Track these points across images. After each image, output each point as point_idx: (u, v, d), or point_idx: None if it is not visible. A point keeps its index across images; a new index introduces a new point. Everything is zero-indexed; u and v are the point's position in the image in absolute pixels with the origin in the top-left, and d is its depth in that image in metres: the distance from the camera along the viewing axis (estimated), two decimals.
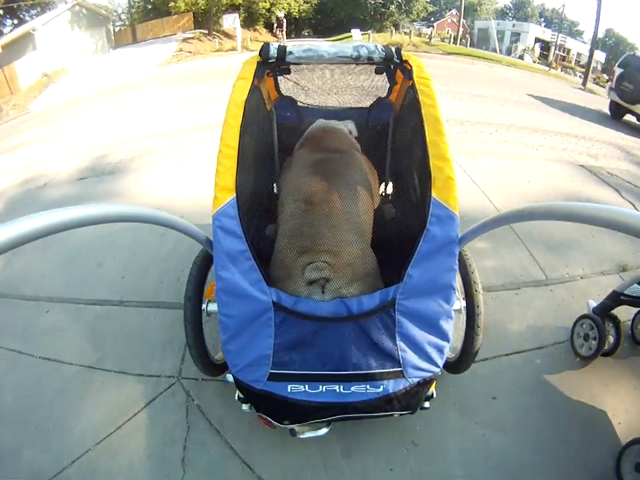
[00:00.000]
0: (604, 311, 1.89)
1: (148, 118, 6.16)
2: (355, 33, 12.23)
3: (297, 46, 1.64)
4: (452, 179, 1.24)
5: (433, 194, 1.22)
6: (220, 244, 1.20)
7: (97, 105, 8.31)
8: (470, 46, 21.73)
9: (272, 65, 1.67)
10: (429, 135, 1.31)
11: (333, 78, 1.96)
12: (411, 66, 1.58)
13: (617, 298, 1.84)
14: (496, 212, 2.87)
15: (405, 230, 1.35)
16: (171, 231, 2.64)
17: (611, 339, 1.89)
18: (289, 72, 1.84)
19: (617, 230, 0.80)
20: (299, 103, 2.13)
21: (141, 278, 2.40)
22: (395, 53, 1.62)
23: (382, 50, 1.61)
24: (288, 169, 1.70)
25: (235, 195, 1.23)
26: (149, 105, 7.05)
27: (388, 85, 1.96)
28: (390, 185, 2.18)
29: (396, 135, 1.97)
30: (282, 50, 1.61)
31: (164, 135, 5.03)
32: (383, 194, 2.17)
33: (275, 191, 2.02)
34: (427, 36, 22.29)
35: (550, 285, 2.26)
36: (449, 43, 21.32)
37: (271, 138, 2.04)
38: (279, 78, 1.95)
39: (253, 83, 1.50)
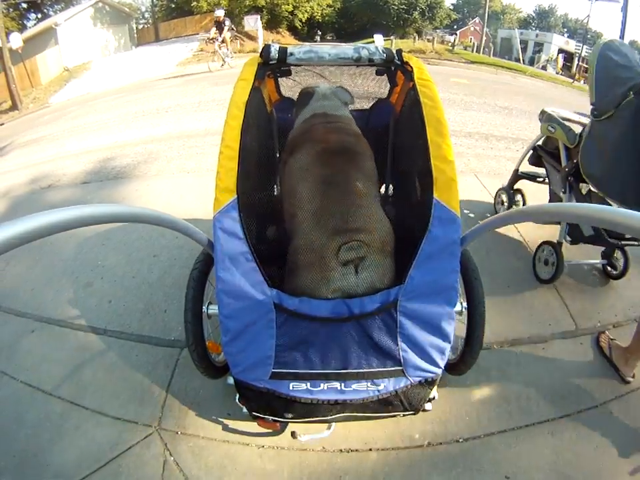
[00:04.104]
0: (512, 183, 2.91)
1: (159, 119, 6.10)
2: (378, 38, 11.95)
3: (298, 47, 1.66)
4: (454, 180, 1.24)
5: (435, 195, 1.22)
6: (221, 245, 1.18)
7: (112, 102, 8.32)
8: (493, 55, 21.31)
9: (273, 66, 1.69)
10: (430, 135, 1.31)
11: (333, 79, 1.99)
12: (411, 67, 1.58)
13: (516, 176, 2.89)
14: (526, 244, 2.65)
15: (406, 231, 1.31)
16: (164, 254, 2.61)
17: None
18: (289, 73, 1.87)
19: (616, 230, 0.77)
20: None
21: (127, 305, 2.25)
22: (395, 55, 1.64)
23: (383, 51, 1.64)
24: (290, 166, 1.56)
25: (236, 196, 1.22)
26: (163, 105, 6.99)
27: (388, 87, 1.99)
28: (391, 186, 2.16)
29: (397, 136, 1.97)
30: (283, 51, 1.63)
31: (172, 139, 4.93)
32: (384, 194, 2.13)
33: (276, 192, 1.99)
34: (450, 44, 21.98)
35: (580, 336, 2.02)
36: (472, 51, 20.96)
37: (272, 139, 2.04)
38: (280, 79, 1.97)
39: (253, 84, 1.50)
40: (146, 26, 25.03)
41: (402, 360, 1.18)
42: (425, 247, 1.18)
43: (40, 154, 5.41)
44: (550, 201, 2.53)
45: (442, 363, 1.22)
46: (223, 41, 11.08)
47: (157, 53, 16.60)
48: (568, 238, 2.25)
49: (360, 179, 1.36)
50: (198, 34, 20.65)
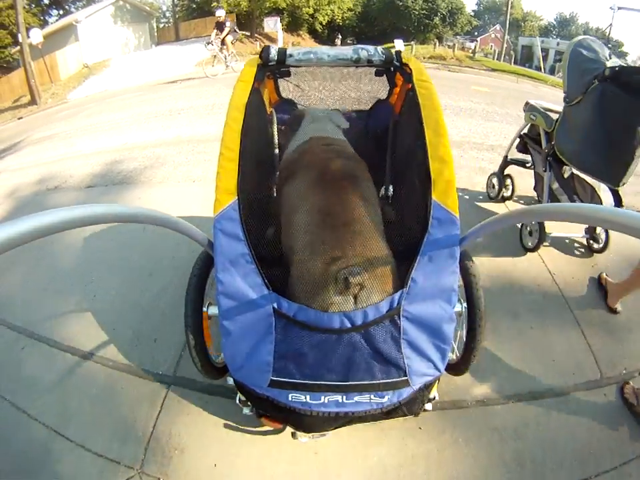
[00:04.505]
0: (502, 169, 3.14)
1: (171, 121, 6.03)
2: (398, 43, 11.71)
3: (298, 48, 1.66)
4: (452, 181, 1.23)
5: (433, 197, 1.21)
6: (221, 247, 1.17)
7: (128, 101, 8.32)
8: (513, 63, 20.96)
9: (272, 68, 1.69)
10: (428, 137, 1.30)
11: (332, 80, 1.98)
12: (410, 69, 1.57)
13: (506, 162, 3.10)
14: (553, 279, 2.43)
15: (405, 233, 1.30)
16: (159, 272, 2.47)
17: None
18: (289, 74, 1.88)
19: (616, 230, 0.75)
20: (298, 106, 2.14)
21: (117, 330, 2.12)
22: (394, 56, 1.65)
23: (382, 53, 1.65)
24: (286, 194, 1.50)
25: (237, 197, 1.22)
26: (176, 106, 6.93)
27: (387, 88, 1.99)
28: (390, 187, 2.12)
29: (396, 137, 1.95)
30: (282, 52, 1.63)
31: (182, 144, 4.84)
32: (383, 196, 2.09)
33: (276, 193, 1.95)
34: (471, 50, 21.65)
35: (604, 386, 1.82)
36: (493, 58, 20.64)
37: (271, 140, 2.03)
38: (279, 80, 1.99)
39: (253, 85, 1.51)
40: (167, 25, 25.32)
41: (406, 368, 1.13)
42: (425, 249, 1.16)
43: (51, 152, 5.41)
44: (535, 182, 2.95)
45: (442, 366, 1.18)
46: (223, 43, 10.20)
47: (177, 52, 16.65)
48: None
49: (359, 206, 1.30)
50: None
